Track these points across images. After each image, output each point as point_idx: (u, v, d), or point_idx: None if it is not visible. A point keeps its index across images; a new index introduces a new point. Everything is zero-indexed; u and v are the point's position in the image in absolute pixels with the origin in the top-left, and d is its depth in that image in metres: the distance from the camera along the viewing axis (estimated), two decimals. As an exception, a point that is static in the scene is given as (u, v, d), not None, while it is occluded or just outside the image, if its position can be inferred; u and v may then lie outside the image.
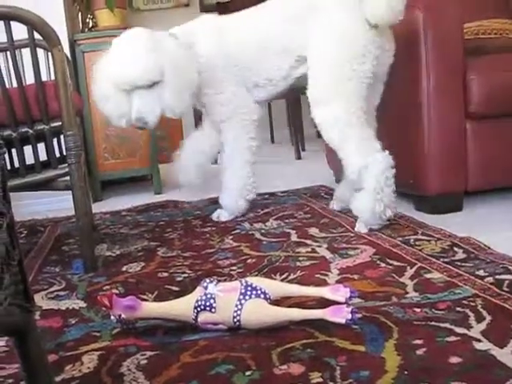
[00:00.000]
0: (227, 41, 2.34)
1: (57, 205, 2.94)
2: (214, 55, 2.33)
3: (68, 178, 1.89)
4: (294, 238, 2.04)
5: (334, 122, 2.06)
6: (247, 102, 2.40)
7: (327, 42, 2.11)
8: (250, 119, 2.40)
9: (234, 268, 1.76)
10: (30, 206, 2.95)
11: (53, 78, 1.91)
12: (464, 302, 1.32)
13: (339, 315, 1.23)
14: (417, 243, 1.82)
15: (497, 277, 1.46)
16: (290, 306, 1.35)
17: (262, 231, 2.17)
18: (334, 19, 2.10)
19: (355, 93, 2.05)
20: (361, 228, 2.04)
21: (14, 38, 1.83)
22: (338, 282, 1.54)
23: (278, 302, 1.36)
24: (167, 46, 2.21)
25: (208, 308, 1.29)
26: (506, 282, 1.42)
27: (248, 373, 1.10)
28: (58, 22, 2.74)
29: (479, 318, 1.23)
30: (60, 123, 1.87)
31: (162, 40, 2.23)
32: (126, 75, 2.14)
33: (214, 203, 2.74)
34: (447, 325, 1.21)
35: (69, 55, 2.87)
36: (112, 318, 1.35)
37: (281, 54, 2.28)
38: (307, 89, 2.15)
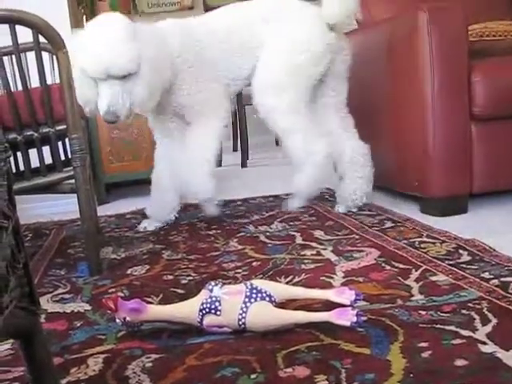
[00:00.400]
0: (199, 40, 2.33)
1: (62, 208, 2.95)
2: (189, 54, 2.30)
3: (73, 180, 1.89)
4: (298, 240, 2.04)
5: (286, 110, 2.28)
6: (223, 97, 2.39)
7: (288, 42, 2.29)
8: (227, 115, 2.38)
9: (239, 271, 1.76)
10: (35, 209, 2.95)
11: (58, 81, 1.91)
12: (469, 304, 1.32)
13: (344, 318, 1.23)
14: (422, 245, 1.82)
15: (502, 279, 1.45)
16: (295, 309, 1.35)
17: (267, 234, 2.17)
18: (297, 24, 2.30)
19: (306, 87, 2.30)
20: (294, 203, 2.44)
21: (19, 42, 1.84)
22: (343, 284, 1.54)
23: (283, 304, 1.36)
24: (145, 35, 2.12)
25: (213, 311, 1.29)
26: (512, 284, 1.41)
27: (253, 376, 1.10)
28: (63, 26, 2.75)
29: (485, 321, 1.22)
30: (65, 126, 1.87)
31: (140, 29, 2.13)
32: (102, 63, 2.01)
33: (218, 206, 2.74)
34: (453, 327, 1.21)
35: (74, 58, 2.87)
36: (117, 320, 1.35)
37: (245, 55, 2.35)
38: (256, 77, 2.33)
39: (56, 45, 1.81)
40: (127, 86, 2.06)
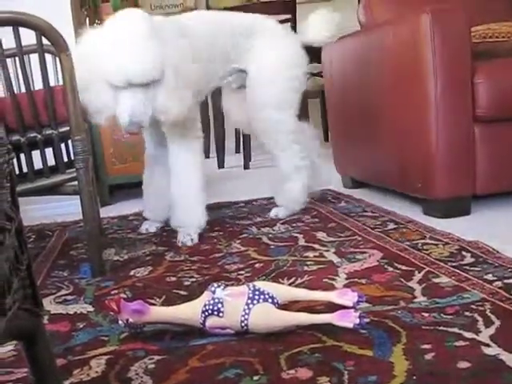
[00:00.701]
0: (194, 41, 2.25)
1: (65, 209, 2.95)
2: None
3: (76, 182, 1.90)
4: (301, 242, 2.04)
5: (289, 125, 2.39)
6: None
7: (286, 58, 2.39)
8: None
9: (241, 272, 1.76)
10: (38, 211, 2.96)
11: (61, 83, 1.92)
12: (472, 306, 1.32)
13: (347, 319, 1.23)
14: (425, 247, 1.82)
15: (505, 281, 1.45)
16: (297, 311, 1.35)
17: (270, 235, 2.17)
18: (289, 42, 2.41)
19: (299, 102, 2.43)
20: (279, 212, 2.47)
21: (23, 44, 1.85)
22: (345, 286, 1.54)
23: (285, 306, 1.36)
24: (168, 34, 2.01)
25: (216, 312, 1.29)
26: (515, 286, 1.41)
27: (256, 377, 1.10)
28: (66, 28, 2.75)
29: (488, 323, 1.22)
30: (68, 128, 1.87)
31: (163, 28, 2.01)
32: (124, 72, 1.89)
33: (220, 207, 2.75)
34: (456, 329, 1.21)
35: (77, 60, 2.87)
36: (120, 322, 1.35)
37: (225, 63, 2.38)
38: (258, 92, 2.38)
39: (59, 47, 1.81)
40: (150, 93, 1.94)
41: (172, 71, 1.97)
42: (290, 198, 2.47)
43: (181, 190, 2.23)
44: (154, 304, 1.51)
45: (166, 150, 2.30)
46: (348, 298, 1.32)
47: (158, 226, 2.46)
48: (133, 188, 3.56)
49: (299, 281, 1.62)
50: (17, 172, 2.03)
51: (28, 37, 1.83)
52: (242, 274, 1.74)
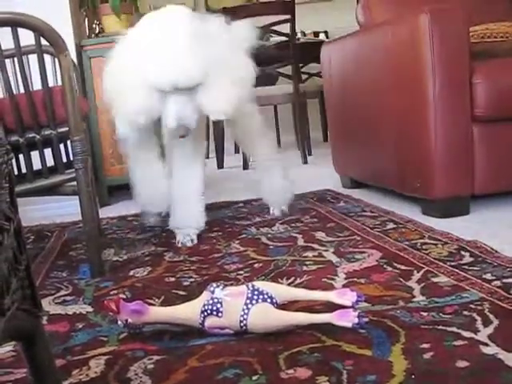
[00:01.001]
0: None
1: (64, 210, 2.95)
2: None
3: (75, 183, 1.90)
4: (300, 242, 2.04)
5: (257, 118, 2.37)
6: None
7: (243, 59, 2.20)
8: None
9: (240, 272, 1.76)
10: (37, 212, 2.96)
11: (59, 83, 1.92)
12: (471, 305, 1.32)
13: (346, 319, 1.23)
14: (424, 247, 1.82)
15: (504, 280, 1.45)
16: (296, 310, 1.35)
17: (269, 235, 2.17)
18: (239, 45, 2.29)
19: None
20: (282, 208, 2.49)
21: (21, 44, 1.85)
22: (344, 286, 1.54)
23: (284, 306, 1.36)
24: (215, 34, 1.96)
25: (215, 312, 1.29)
26: (514, 285, 1.41)
27: (255, 377, 1.10)
28: (65, 28, 2.75)
29: (486, 322, 1.22)
30: (67, 128, 1.87)
31: (209, 27, 1.96)
32: (169, 77, 1.86)
33: (220, 208, 2.75)
34: (454, 329, 1.21)
35: (75, 61, 2.88)
36: (119, 322, 1.35)
37: None
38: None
39: (58, 47, 1.81)
40: (196, 95, 1.92)
41: (218, 69, 1.93)
42: (277, 192, 2.47)
43: (180, 191, 2.22)
44: (153, 304, 1.52)
45: (152, 135, 2.23)
46: (347, 297, 1.32)
47: (162, 214, 2.37)
48: (132, 189, 3.56)
49: (298, 281, 1.62)
50: (16, 172, 2.03)
51: (27, 37, 1.83)
52: (241, 274, 1.74)
